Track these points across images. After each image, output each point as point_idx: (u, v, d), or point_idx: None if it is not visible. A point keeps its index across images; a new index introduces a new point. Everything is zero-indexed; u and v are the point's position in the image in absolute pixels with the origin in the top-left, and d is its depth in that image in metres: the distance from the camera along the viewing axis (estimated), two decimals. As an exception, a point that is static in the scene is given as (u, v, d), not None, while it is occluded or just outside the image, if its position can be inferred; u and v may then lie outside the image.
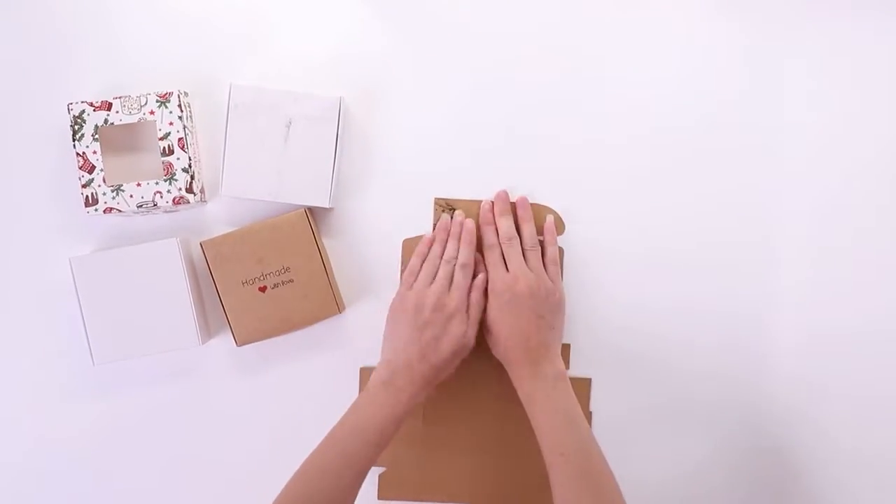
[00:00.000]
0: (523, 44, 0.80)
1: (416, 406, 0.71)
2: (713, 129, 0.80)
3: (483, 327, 0.75)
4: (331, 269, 0.78)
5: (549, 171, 0.80)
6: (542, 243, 0.77)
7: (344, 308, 0.79)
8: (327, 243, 0.80)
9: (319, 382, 0.80)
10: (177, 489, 0.81)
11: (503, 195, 0.78)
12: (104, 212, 0.75)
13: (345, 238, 0.80)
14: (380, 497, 0.80)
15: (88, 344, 0.76)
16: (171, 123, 0.75)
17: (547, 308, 0.73)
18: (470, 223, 0.77)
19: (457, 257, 0.76)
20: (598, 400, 0.80)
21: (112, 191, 0.75)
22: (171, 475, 0.81)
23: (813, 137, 0.80)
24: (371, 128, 0.80)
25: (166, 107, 0.75)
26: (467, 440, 0.80)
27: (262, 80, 0.78)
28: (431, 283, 0.74)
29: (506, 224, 0.77)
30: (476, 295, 0.75)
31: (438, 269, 0.75)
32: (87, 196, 0.75)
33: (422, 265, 0.76)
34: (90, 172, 0.75)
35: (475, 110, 0.80)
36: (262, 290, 0.76)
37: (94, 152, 0.75)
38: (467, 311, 0.74)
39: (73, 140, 0.75)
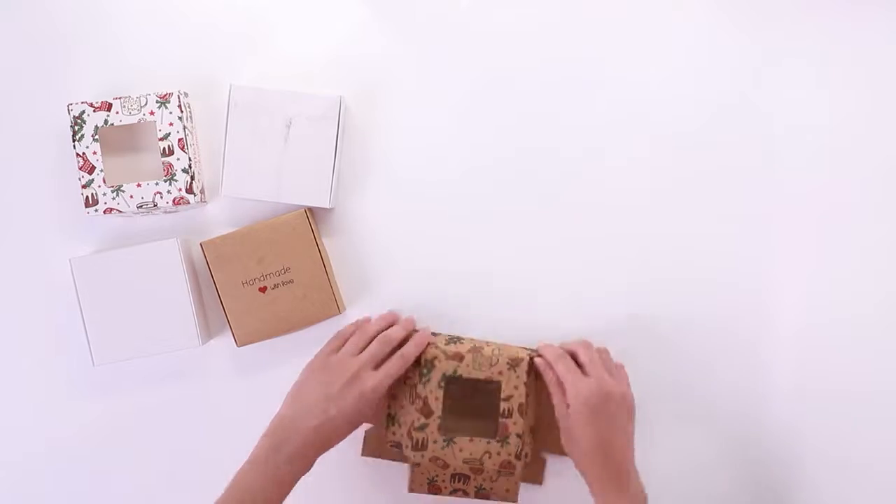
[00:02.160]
0: (523, 44, 0.80)
1: (303, 472, 0.69)
2: (713, 130, 0.80)
3: (564, 436, 0.72)
4: (331, 269, 0.78)
5: (550, 171, 0.80)
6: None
7: (344, 308, 0.79)
8: (327, 243, 0.80)
9: (319, 382, 0.80)
10: (177, 489, 0.81)
11: (548, 347, 0.75)
12: (104, 212, 0.75)
13: (345, 238, 0.80)
14: (364, 454, 0.79)
15: (88, 344, 0.76)
16: (171, 124, 0.75)
17: (629, 418, 0.71)
18: (413, 319, 0.76)
19: (396, 346, 0.73)
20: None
21: (112, 191, 0.75)
22: (171, 475, 0.81)
23: (813, 138, 0.80)
24: (371, 128, 0.80)
25: (166, 107, 0.75)
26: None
27: (262, 80, 0.78)
28: (358, 353, 0.72)
29: (573, 346, 0.75)
30: (397, 360, 0.72)
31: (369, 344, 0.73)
32: (87, 196, 0.75)
33: (352, 332, 0.75)
34: (90, 173, 0.75)
35: (475, 110, 0.80)
36: (263, 290, 0.76)
37: (94, 153, 0.75)
38: (376, 367, 0.72)
39: (73, 140, 0.75)
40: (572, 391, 0.70)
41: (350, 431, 0.71)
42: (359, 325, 0.77)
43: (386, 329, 0.75)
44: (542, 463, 0.79)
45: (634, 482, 0.70)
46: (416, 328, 0.77)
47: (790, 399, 0.80)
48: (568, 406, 0.71)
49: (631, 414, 0.72)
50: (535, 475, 0.79)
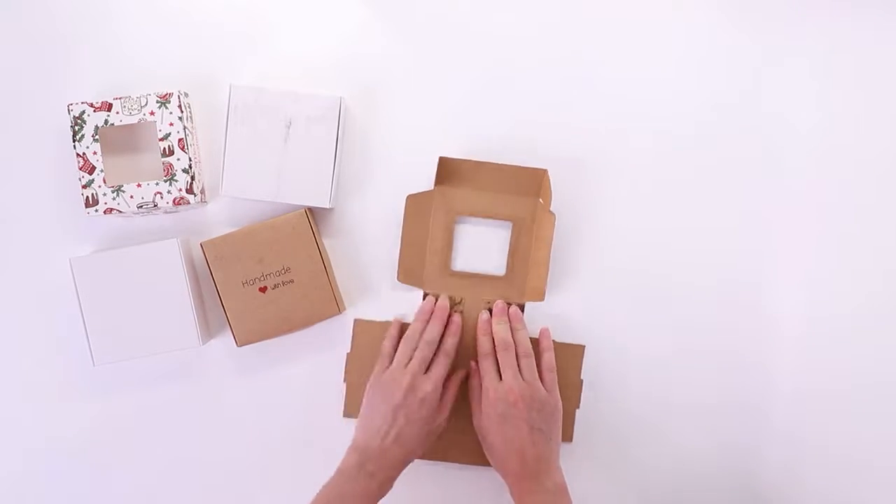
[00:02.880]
0: (523, 44, 0.80)
1: (388, 488, 0.71)
2: (713, 129, 0.80)
3: (479, 436, 0.75)
4: (331, 269, 0.78)
5: (550, 170, 0.80)
6: (537, 350, 0.78)
7: (344, 308, 0.79)
8: (327, 243, 0.80)
9: (319, 382, 0.80)
10: (176, 489, 0.81)
11: (501, 306, 0.78)
12: (104, 212, 0.75)
13: (345, 238, 0.80)
14: (345, 415, 0.80)
15: (88, 344, 0.76)
16: (171, 124, 0.75)
17: (542, 419, 0.72)
18: (445, 304, 0.78)
19: (438, 341, 0.76)
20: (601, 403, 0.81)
21: (112, 191, 0.75)
22: (171, 475, 0.81)
23: (813, 138, 0.80)
24: (371, 128, 0.80)
25: (166, 107, 0.75)
26: None
27: (262, 81, 0.78)
28: (408, 362, 0.74)
29: (502, 332, 0.76)
30: (453, 388, 0.76)
31: (416, 349, 0.75)
32: (87, 197, 0.75)
33: (394, 348, 0.76)
34: (90, 173, 0.75)
35: (475, 110, 0.80)
36: (263, 290, 0.76)
37: (95, 153, 0.75)
38: (441, 397, 0.74)
39: (74, 141, 0.75)
40: (484, 397, 0.74)
41: (425, 437, 0.73)
42: (391, 336, 0.78)
43: (439, 335, 0.77)
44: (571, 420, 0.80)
45: (554, 477, 0.71)
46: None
47: (790, 401, 0.81)
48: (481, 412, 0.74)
49: (552, 418, 0.73)
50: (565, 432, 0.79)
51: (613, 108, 0.80)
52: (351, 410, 0.79)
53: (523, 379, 0.74)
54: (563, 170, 0.80)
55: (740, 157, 0.80)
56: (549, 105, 0.80)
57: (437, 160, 0.77)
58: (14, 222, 0.80)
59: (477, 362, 0.77)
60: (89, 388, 0.80)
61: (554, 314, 0.80)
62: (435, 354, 0.75)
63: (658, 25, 0.80)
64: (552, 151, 0.80)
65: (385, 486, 0.71)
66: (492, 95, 0.80)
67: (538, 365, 0.76)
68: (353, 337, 0.80)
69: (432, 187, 0.78)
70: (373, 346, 0.78)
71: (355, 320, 0.79)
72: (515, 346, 0.76)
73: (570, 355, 0.78)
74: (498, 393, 0.73)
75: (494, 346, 0.76)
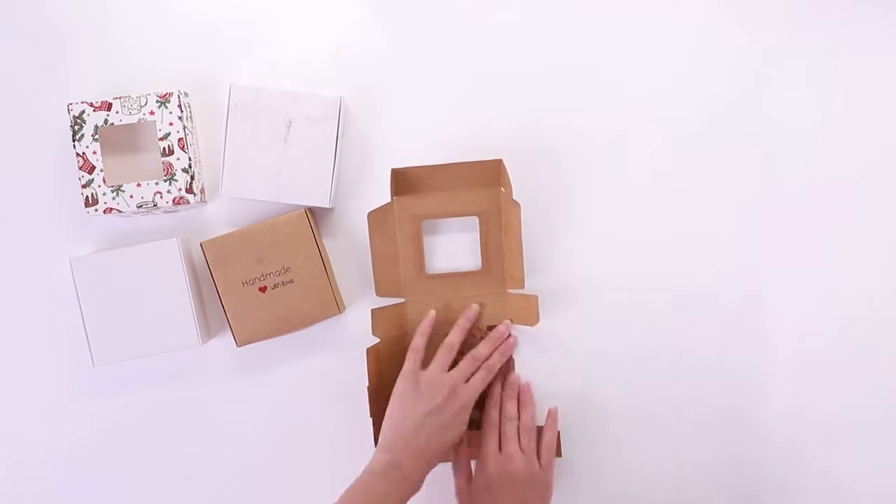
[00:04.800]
0: (523, 44, 0.80)
1: (418, 490, 0.71)
2: (713, 129, 0.80)
3: (462, 497, 0.76)
4: (331, 269, 0.78)
5: (550, 171, 0.80)
6: (540, 428, 0.78)
7: (344, 308, 0.79)
8: (327, 243, 0.80)
9: (319, 383, 0.80)
10: (177, 489, 0.81)
11: (512, 380, 0.79)
12: (104, 212, 0.75)
13: (345, 238, 0.80)
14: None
15: (88, 344, 0.76)
16: (171, 124, 0.75)
17: (532, 495, 0.73)
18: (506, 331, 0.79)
19: (488, 357, 0.77)
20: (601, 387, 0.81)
21: (112, 191, 0.75)
22: (171, 475, 0.81)
23: (813, 138, 0.80)
24: (371, 128, 0.80)
25: (166, 107, 0.75)
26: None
27: (262, 81, 0.78)
28: (447, 367, 0.75)
29: (510, 407, 0.78)
30: (484, 373, 0.76)
31: (455, 359, 0.76)
32: (87, 196, 0.75)
33: (425, 345, 0.76)
34: (90, 173, 0.75)
35: (475, 110, 0.80)
36: (263, 290, 0.76)
37: (94, 152, 0.75)
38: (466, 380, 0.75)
39: (73, 140, 0.75)
40: (481, 465, 0.75)
41: (456, 441, 0.73)
42: (423, 332, 0.77)
43: (462, 338, 0.78)
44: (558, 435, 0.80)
45: None
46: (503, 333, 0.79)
47: (788, 419, 0.81)
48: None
49: (541, 496, 0.74)
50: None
51: (613, 107, 0.80)
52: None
53: (522, 452, 0.75)
54: (564, 170, 0.80)
55: (740, 157, 0.80)
56: (549, 105, 0.80)
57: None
58: (14, 222, 0.80)
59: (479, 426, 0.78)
60: (89, 388, 0.80)
61: (551, 334, 0.80)
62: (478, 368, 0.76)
63: (658, 26, 0.80)
64: (552, 151, 0.80)
65: (418, 486, 0.71)
66: (492, 95, 0.80)
67: (538, 443, 0.77)
68: (368, 368, 0.78)
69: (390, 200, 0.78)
70: (388, 374, 0.77)
71: (367, 350, 0.78)
72: (519, 419, 0.77)
73: (526, 305, 0.79)
74: (497, 463, 0.74)
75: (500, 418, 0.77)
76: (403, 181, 0.77)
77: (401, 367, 0.75)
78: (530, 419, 0.78)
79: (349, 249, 0.80)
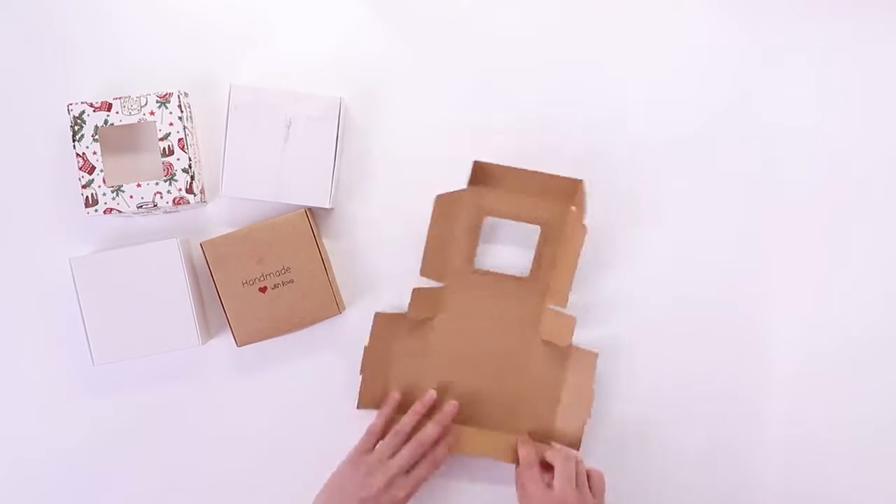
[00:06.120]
0: (523, 44, 0.80)
1: None
2: (713, 129, 0.80)
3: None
4: (331, 269, 0.78)
5: (550, 171, 0.80)
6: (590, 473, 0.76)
7: (344, 308, 0.79)
8: (327, 243, 0.80)
9: (319, 382, 0.80)
10: (177, 489, 0.81)
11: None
12: (104, 212, 0.75)
13: (345, 238, 0.80)
14: (359, 406, 0.79)
15: (88, 344, 0.76)
16: (171, 124, 0.75)
17: None
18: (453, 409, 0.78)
19: (431, 445, 0.75)
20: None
21: (112, 191, 0.75)
22: (171, 475, 0.81)
23: (813, 138, 0.80)
24: (371, 128, 0.80)
25: (166, 107, 0.75)
26: (457, 362, 0.80)
27: (262, 81, 0.78)
28: (391, 455, 0.74)
29: (563, 454, 0.75)
30: (428, 466, 0.75)
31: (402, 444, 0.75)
32: (87, 197, 0.75)
33: (382, 428, 0.76)
34: (90, 173, 0.75)
35: (476, 110, 0.80)
36: (263, 290, 0.76)
37: (94, 153, 0.75)
38: (408, 472, 0.74)
39: (73, 140, 0.75)
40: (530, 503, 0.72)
41: None
42: (384, 414, 0.77)
43: (417, 423, 0.76)
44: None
45: None
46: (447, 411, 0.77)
47: (789, 418, 0.81)
48: None
49: None
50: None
51: (612, 107, 0.80)
52: (365, 403, 0.79)
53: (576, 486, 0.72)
54: (564, 170, 0.79)
55: (739, 157, 0.80)
56: (548, 106, 0.80)
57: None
58: (14, 222, 0.80)
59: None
60: (89, 388, 0.80)
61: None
62: (423, 456, 0.75)
63: (658, 26, 0.80)
64: (552, 151, 0.80)
65: None
66: (492, 95, 0.80)
67: (589, 481, 0.75)
68: (372, 330, 0.78)
69: (465, 187, 0.78)
70: (391, 339, 0.79)
71: (376, 314, 0.78)
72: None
73: (584, 363, 0.78)
74: (546, 499, 0.72)
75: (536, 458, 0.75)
76: (482, 174, 0.77)
77: (401, 343, 0.78)
78: (571, 462, 0.74)
79: (349, 249, 0.80)
